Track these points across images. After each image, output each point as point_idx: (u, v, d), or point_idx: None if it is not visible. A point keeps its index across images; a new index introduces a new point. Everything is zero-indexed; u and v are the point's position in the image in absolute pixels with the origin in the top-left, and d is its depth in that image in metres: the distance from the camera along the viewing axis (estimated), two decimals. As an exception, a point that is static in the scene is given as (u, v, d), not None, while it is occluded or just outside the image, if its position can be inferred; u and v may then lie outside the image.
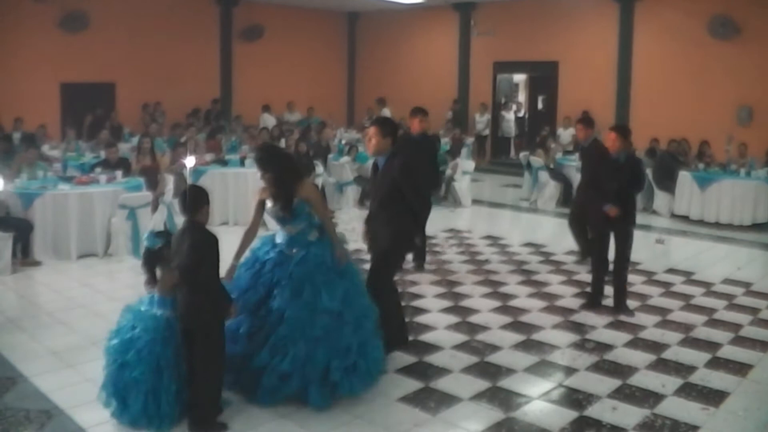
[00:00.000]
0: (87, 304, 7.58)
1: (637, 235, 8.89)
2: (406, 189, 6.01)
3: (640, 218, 11.77)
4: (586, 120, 9.21)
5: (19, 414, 5.01)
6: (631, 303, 7.75)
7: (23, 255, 9.04)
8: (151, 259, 4.96)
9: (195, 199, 4.80)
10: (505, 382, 5.73)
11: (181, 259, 4.64)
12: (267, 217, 5.85)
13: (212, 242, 4.71)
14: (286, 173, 5.35)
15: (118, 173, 10.29)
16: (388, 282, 6.18)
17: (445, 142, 15.82)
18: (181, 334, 4.74)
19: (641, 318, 7.30)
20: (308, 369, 5.05)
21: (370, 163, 13.64)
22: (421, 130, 8.71)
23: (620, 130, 7.49)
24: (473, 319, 7.21)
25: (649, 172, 13.22)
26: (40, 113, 15.15)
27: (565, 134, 17.30)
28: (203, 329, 4.68)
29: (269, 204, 5.36)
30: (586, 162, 8.74)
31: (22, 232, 8.95)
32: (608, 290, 7.61)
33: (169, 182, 10.58)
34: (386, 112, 19.82)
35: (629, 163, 7.48)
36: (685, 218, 12.55)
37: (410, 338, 6.53)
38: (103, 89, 17.27)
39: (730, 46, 15.54)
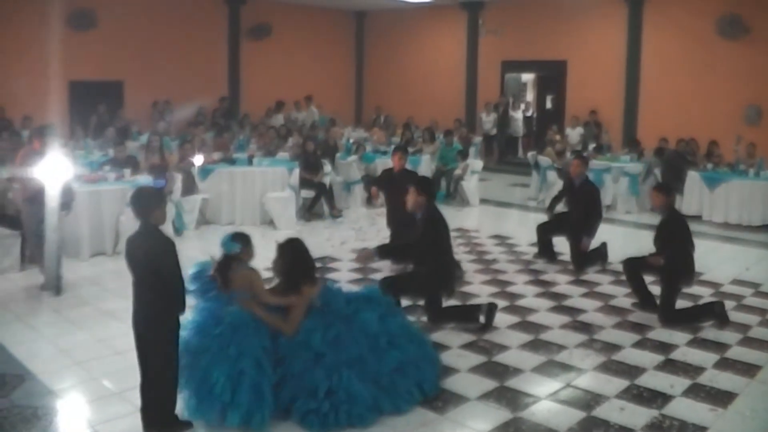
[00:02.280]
0: (95, 301, 7.60)
1: (646, 236, 8.89)
2: (422, 239, 6.68)
3: (649, 218, 11.81)
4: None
5: (27, 411, 5.02)
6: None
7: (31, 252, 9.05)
8: (226, 264, 5.00)
9: (147, 202, 4.64)
10: (513, 382, 5.73)
11: (139, 265, 4.55)
12: None
13: (168, 247, 4.58)
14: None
15: (127, 171, 10.31)
16: (438, 313, 6.85)
17: (455, 141, 15.75)
18: (136, 338, 4.67)
19: (649, 318, 7.27)
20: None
21: (377, 162, 13.66)
22: (401, 167, 9.18)
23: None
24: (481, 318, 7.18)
25: (657, 172, 13.23)
26: (49, 111, 15.17)
27: (573, 134, 17.26)
28: (158, 333, 4.57)
29: None
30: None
31: (30, 229, 8.96)
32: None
33: (177, 180, 10.58)
34: (313, 109, 19.57)
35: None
36: (693, 218, 12.48)
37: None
38: (111, 87, 17.30)
39: (738, 46, 15.48)
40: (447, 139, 14.98)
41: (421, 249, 6.70)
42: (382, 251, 7.04)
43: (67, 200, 8.04)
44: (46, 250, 7.79)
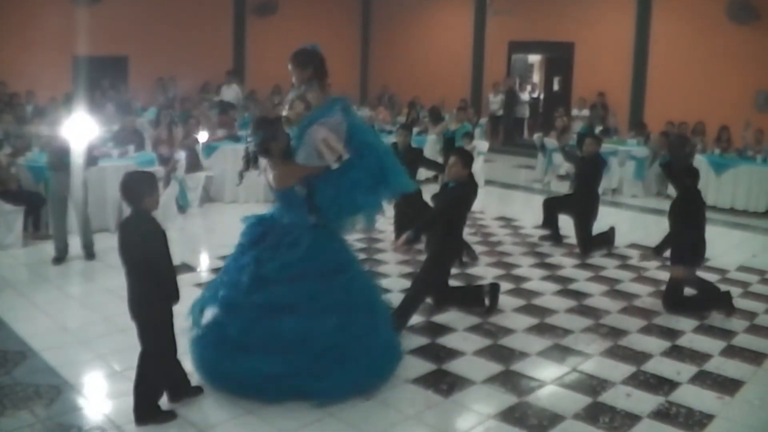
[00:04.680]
0: (98, 279, 7.58)
1: (652, 220, 8.85)
2: (436, 208, 6.89)
3: (655, 202, 11.75)
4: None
5: (29, 389, 4.99)
6: (644, 288, 7.72)
7: (34, 228, 9.04)
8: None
9: (137, 188, 4.48)
10: (518, 366, 5.70)
11: (129, 254, 4.46)
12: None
13: (158, 237, 4.47)
14: None
15: (130, 148, 10.24)
16: (432, 284, 6.57)
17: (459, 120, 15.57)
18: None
19: (655, 304, 7.22)
20: None
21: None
22: (404, 144, 9.26)
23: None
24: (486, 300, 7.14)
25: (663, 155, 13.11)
26: (53, 86, 15.09)
27: (579, 115, 17.09)
28: (149, 323, 4.54)
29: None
30: None
31: (33, 205, 8.94)
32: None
33: (181, 158, 10.51)
34: (236, 87, 18.68)
35: None
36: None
37: (422, 319, 6.53)
38: (115, 62, 17.19)
39: (748, 30, 15.30)
40: (459, 115, 14.37)
41: (436, 216, 6.73)
42: (417, 231, 6.68)
43: (93, 157, 8.35)
44: (74, 216, 8.26)
